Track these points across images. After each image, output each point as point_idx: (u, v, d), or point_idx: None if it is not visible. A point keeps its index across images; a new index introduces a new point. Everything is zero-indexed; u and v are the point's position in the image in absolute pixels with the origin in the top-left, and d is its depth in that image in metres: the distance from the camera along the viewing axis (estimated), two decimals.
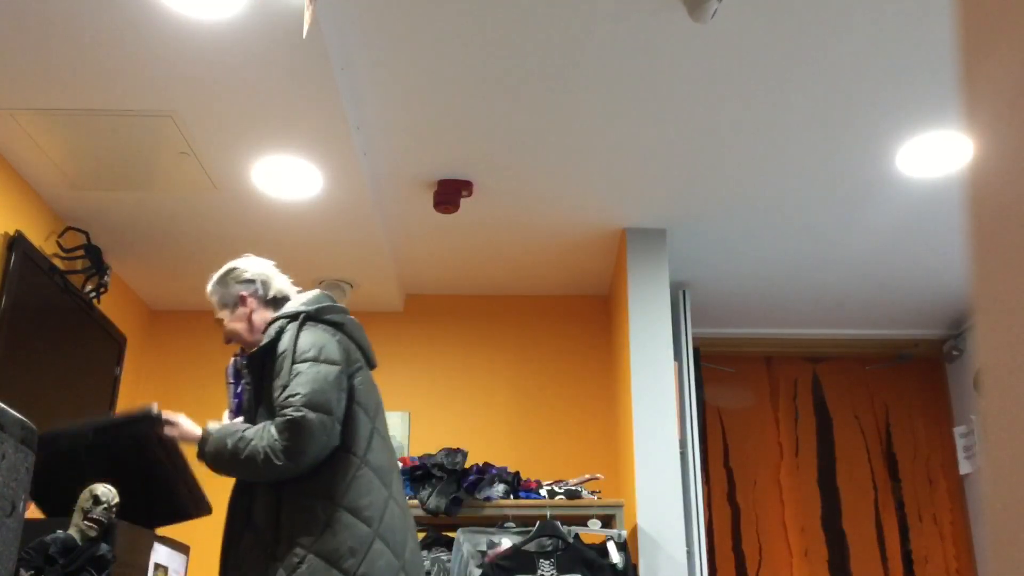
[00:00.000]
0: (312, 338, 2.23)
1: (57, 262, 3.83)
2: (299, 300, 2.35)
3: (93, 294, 4.07)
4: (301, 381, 2.13)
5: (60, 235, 3.89)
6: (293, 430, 2.08)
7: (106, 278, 4.14)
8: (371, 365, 2.41)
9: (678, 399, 4.03)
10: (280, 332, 2.25)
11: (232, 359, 2.44)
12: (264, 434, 2.11)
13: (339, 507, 2.11)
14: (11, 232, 3.52)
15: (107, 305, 4.24)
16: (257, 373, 2.27)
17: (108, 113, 3.20)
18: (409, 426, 4.66)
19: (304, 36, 2.48)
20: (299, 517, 2.09)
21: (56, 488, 2.63)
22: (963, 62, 0.54)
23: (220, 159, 3.50)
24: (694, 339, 4.55)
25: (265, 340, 2.26)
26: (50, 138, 3.36)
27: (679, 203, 3.98)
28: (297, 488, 2.13)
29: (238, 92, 3.09)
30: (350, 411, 2.22)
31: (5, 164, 3.53)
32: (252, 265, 2.48)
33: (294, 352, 2.19)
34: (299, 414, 2.09)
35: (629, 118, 3.36)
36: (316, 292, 2.41)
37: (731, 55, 3.03)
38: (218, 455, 2.17)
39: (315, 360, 2.18)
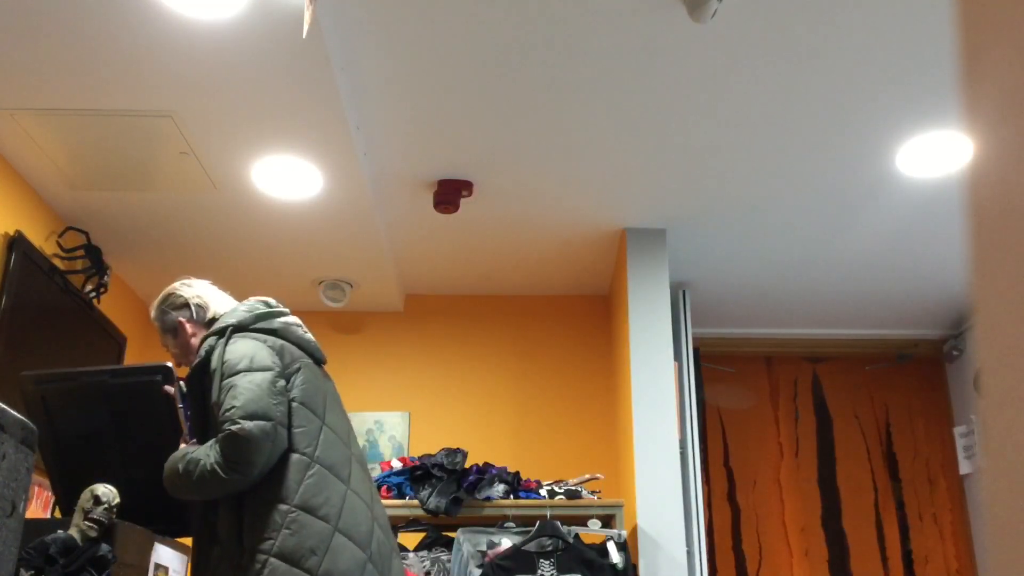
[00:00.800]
0: (240, 349, 2.23)
1: (57, 262, 3.83)
2: (230, 314, 2.36)
3: (93, 294, 4.07)
4: (234, 394, 2.14)
5: (60, 235, 3.89)
6: (234, 443, 2.09)
7: (106, 278, 4.14)
8: (318, 361, 2.41)
9: (678, 399, 4.03)
10: (210, 350, 2.26)
11: (177, 383, 2.45)
12: (210, 452, 2.13)
13: (294, 508, 2.13)
14: (11, 232, 3.52)
15: (107, 305, 4.24)
16: (198, 394, 2.28)
17: (108, 113, 3.20)
18: (409, 426, 4.66)
19: (304, 36, 2.48)
20: (258, 524, 2.11)
21: (72, 471, 2.63)
22: (963, 62, 0.54)
23: (220, 159, 3.50)
24: (694, 339, 4.55)
25: (195, 360, 2.29)
26: (50, 138, 3.36)
27: (679, 203, 3.98)
28: (255, 496, 2.14)
29: (238, 92, 3.09)
30: (293, 412, 2.22)
31: (5, 164, 3.53)
32: (187, 290, 2.48)
33: (222, 367, 2.20)
34: (236, 427, 2.09)
35: (629, 118, 3.36)
36: (249, 302, 2.41)
37: (731, 55, 3.03)
38: (172, 479, 2.21)
39: (247, 370, 2.18)
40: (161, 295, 2.49)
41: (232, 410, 2.11)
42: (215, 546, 2.18)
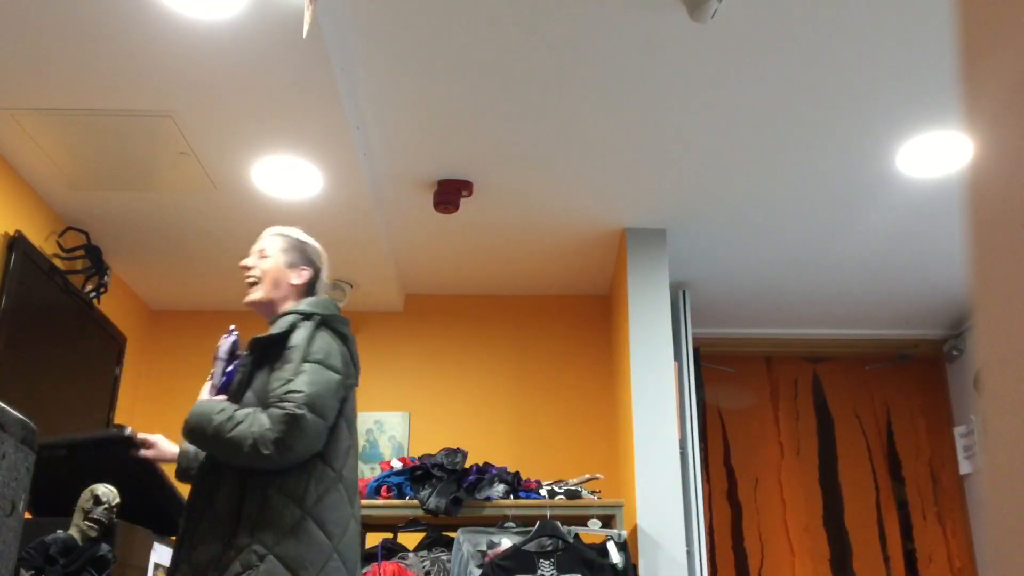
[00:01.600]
0: (323, 343, 2.22)
1: (57, 262, 3.83)
2: (317, 303, 2.34)
3: (93, 294, 4.07)
4: (306, 380, 2.13)
5: (60, 235, 3.89)
6: (290, 424, 2.07)
7: (106, 278, 4.14)
8: (357, 383, 2.42)
9: (678, 399, 4.03)
10: (293, 327, 2.24)
11: (230, 336, 2.40)
12: (254, 420, 2.09)
13: (307, 515, 2.10)
14: (11, 232, 3.52)
15: (107, 305, 4.24)
16: (256, 358, 2.25)
17: (108, 113, 3.20)
18: (409, 426, 4.66)
19: (304, 36, 2.48)
20: (264, 514, 2.08)
21: (43, 493, 2.63)
22: (963, 62, 0.54)
23: (220, 159, 3.50)
24: (694, 339, 4.55)
25: (275, 330, 2.25)
26: (50, 138, 3.36)
27: (679, 203, 3.97)
28: (266, 483, 2.11)
29: (238, 92, 3.09)
30: (336, 423, 2.21)
31: (5, 164, 3.53)
32: (325, 262, 2.51)
33: (305, 348, 2.18)
34: (300, 411, 2.08)
35: (629, 118, 3.36)
36: (326, 297, 2.41)
37: (731, 55, 3.03)
38: (199, 429, 2.15)
39: (322, 364, 2.18)
40: (305, 236, 2.48)
41: (299, 394, 2.10)
42: (208, 515, 2.14)
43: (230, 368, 2.32)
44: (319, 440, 2.13)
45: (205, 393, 2.30)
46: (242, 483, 2.12)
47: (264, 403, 2.14)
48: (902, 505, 5.12)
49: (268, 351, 2.23)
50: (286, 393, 2.10)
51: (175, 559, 2.17)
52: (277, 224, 3.99)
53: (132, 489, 2.69)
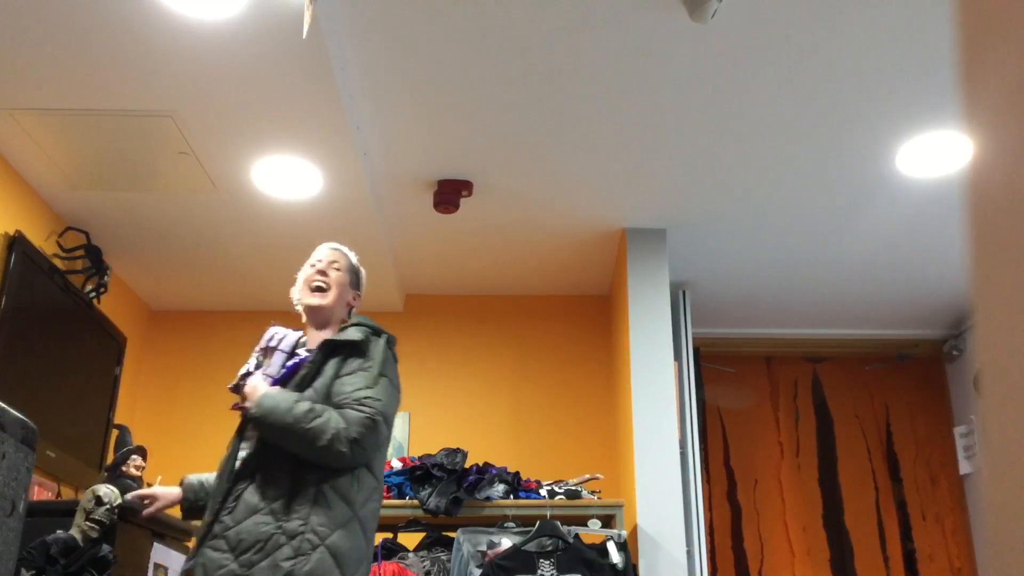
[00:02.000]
0: (392, 364, 2.37)
1: (57, 262, 3.83)
2: (371, 320, 2.44)
3: (93, 294, 4.07)
4: (382, 392, 2.25)
5: (60, 235, 3.89)
6: (368, 428, 2.17)
7: (106, 278, 4.14)
8: None
9: (678, 399, 4.03)
10: (367, 339, 2.34)
11: (294, 332, 2.46)
12: (332, 417, 2.16)
13: (356, 515, 2.18)
14: (11, 232, 3.52)
15: (107, 305, 4.24)
16: (322, 359, 2.32)
17: (108, 113, 3.20)
18: (409, 426, 4.66)
19: (304, 36, 2.48)
20: (318, 506, 2.12)
21: None
22: (963, 62, 0.54)
23: (220, 159, 3.50)
24: (694, 339, 4.55)
25: (347, 337, 2.33)
26: (50, 138, 3.36)
27: (679, 203, 3.98)
28: (319, 479, 2.16)
29: (238, 92, 3.09)
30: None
31: (5, 164, 3.53)
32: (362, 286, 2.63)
33: (380, 361, 2.31)
34: (379, 417, 2.19)
35: (629, 118, 3.36)
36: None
37: (731, 55, 3.03)
38: (274, 414, 2.17)
39: (391, 382, 2.32)
40: (358, 265, 2.59)
41: (378, 402, 2.21)
42: (253, 490, 2.15)
43: (291, 362, 2.36)
44: (382, 448, 2.27)
45: (260, 380, 2.31)
46: (294, 474, 2.16)
47: (334, 404, 2.21)
48: (901, 505, 5.12)
49: (332, 355, 2.31)
50: (365, 399, 2.21)
51: (204, 535, 2.15)
52: (276, 224, 4.01)
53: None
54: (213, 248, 4.24)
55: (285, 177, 3.62)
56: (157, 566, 3.27)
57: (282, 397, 2.21)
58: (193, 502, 2.46)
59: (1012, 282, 0.48)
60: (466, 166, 3.71)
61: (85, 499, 2.71)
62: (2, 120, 3.25)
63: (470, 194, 3.83)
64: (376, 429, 2.18)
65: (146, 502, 2.50)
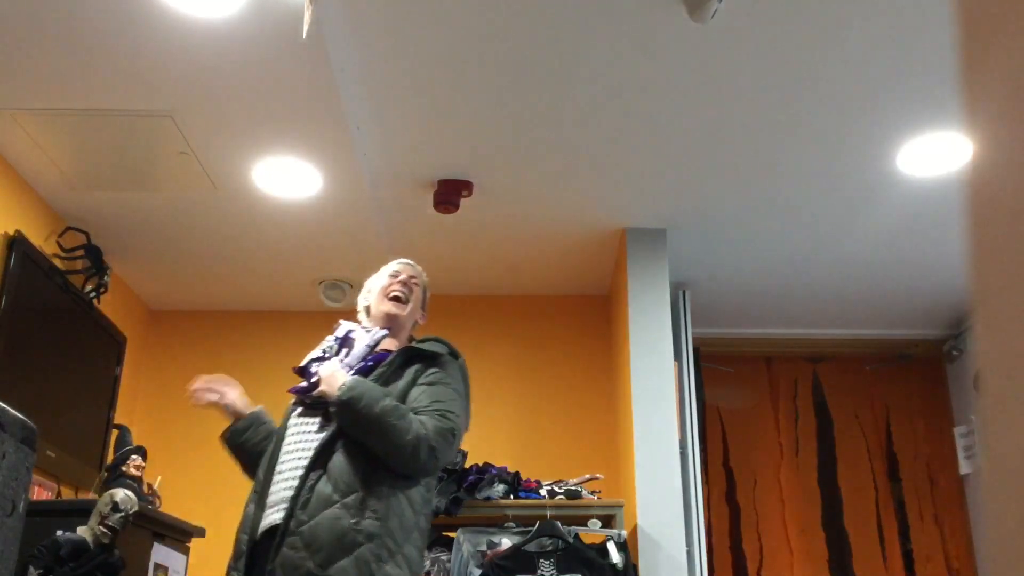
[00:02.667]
0: (468, 387, 2.40)
1: (57, 262, 3.83)
2: (445, 340, 2.46)
3: (93, 294, 4.07)
4: (460, 409, 2.27)
5: (60, 235, 3.89)
6: (448, 440, 2.18)
7: (106, 278, 4.14)
8: None
9: (678, 399, 4.03)
10: (443, 354, 2.36)
11: (377, 331, 2.44)
12: (416, 420, 2.15)
13: (418, 526, 2.17)
14: (11, 232, 3.52)
15: (107, 305, 4.23)
16: (400, 364, 2.32)
17: (108, 113, 3.20)
18: None
19: (304, 36, 2.48)
20: (392, 511, 2.09)
21: None
22: (963, 62, 0.54)
23: (220, 159, 3.50)
24: (694, 339, 4.54)
25: (429, 347, 2.35)
26: (50, 138, 3.36)
27: (679, 203, 3.97)
28: (391, 484, 2.13)
29: (238, 92, 3.09)
30: None
31: (5, 164, 3.53)
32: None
33: (460, 378, 2.34)
34: (457, 432, 2.21)
35: (629, 118, 3.36)
36: None
37: (731, 55, 3.03)
38: (365, 400, 2.14)
39: (467, 404, 2.36)
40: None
41: (456, 416, 2.23)
42: (326, 482, 2.10)
43: (371, 357, 2.35)
44: (441, 465, 2.27)
45: (338, 367, 2.28)
46: (366, 470, 2.11)
47: (411, 411, 2.20)
48: (900, 505, 5.12)
49: (409, 363, 2.32)
50: (447, 411, 2.21)
51: (284, 530, 2.06)
52: (276, 224, 4.01)
53: None
54: (213, 248, 4.24)
55: (285, 177, 3.62)
56: (157, 566, 3.27)
57: (372, 386, 2.18)
58: (242, 431, 2.41)
59: (1012, 282, 0.48)
60: (466, 166, 3.71)
61: (102, 502, 2.69)
62: (2, 120, 3.25)
63: (470, 194, 3.83)
64: (452, 443, 2.18)
65: (210, 388, 2.44)
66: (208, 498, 4.35)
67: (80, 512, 3.11)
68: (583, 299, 4.92)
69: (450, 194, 3.80)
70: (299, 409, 2.33)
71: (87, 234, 4.02)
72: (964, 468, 4.95)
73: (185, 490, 4.32)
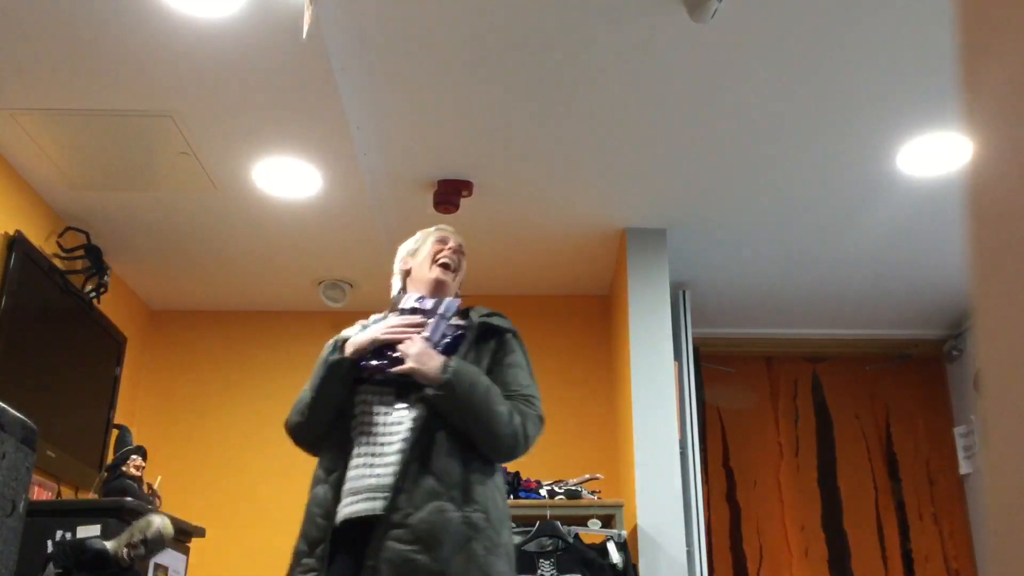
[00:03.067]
0: None
1: (57, 262, 3.83)
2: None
3: (93, 294, 4.07)
4: (538, 393, 2.24)
5: (60, 235, 3.89)
6: (538, 428, 2.16)
7: (106, 278, 4.14)
8: None
9: (678, 399, 4.03)
10: (509, 332, 2.29)
11: (449, 302, 2.27)
12: (513, 409, 2.11)
13: (508, 512, 2.13)
14: (11, 232, 3.52)
15: (107, 305, 4.24)
16: (472, 341, 2.20)
17: (108, 113, 3.20)
18: None
19: (304, 36, 2.48)
20: (493, 502, 2.03)
21: None
22: (963, 62, 0.54)
23: (220, 159, 3.50)
24: (694, 339, 4.55)
25: (498, 323, 2.26)
26: (50, 138, 3.36)
27: (679, 203, 3.97)
28: (485, 472, 2.06)
29: (238, 92, 3.09)
30: None
31: (5, 164, 3.53)
32: None
33: (527, 359, 2.32)
34: (543, 417, 2.18)
35: (629, 118, 3.36)
36: None
37: (731, 55, 3.03)
38: (472, 380, 2.06)
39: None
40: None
41: (539, 401, 2.20)
42: (429, 477, 1.97)
43: (458, 334, 2.21)
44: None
45: (427, 346, 2.13)
46: (464, 457, 2.03)
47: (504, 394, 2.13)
48: (900, 505, 5.12)
49: (481, 339, 2.22)
50: (534, 398, 2.19)
51: (388, 522, 1.94)
52: (276, 224, 4.01)
53: None
54: (213, 248, 4.24)
55: (285, 177, 3.62)
56: (157, 566, 3.27)
57: (472, 368, 2.10)
58: (357, 362, 2.16)
59: (1012, 282, 0.48)
60: (466, 166, 3.71)
61: (138, 527, 2.65)
62: (2, 120, 3.25)
63: (470, 194, 3.83)
64: (541, 431, 2.15)
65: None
66: (208, 498, 4.35)
67: (80, 512, 3.12)
68: (583, 299, 4.92)
69: (450, 194, 3.80)
70: (363, 385, 2.14)
71: (87, 234, 4.02)
72: (964, 468, 4.95)
73: (185, 490, 4.32)
